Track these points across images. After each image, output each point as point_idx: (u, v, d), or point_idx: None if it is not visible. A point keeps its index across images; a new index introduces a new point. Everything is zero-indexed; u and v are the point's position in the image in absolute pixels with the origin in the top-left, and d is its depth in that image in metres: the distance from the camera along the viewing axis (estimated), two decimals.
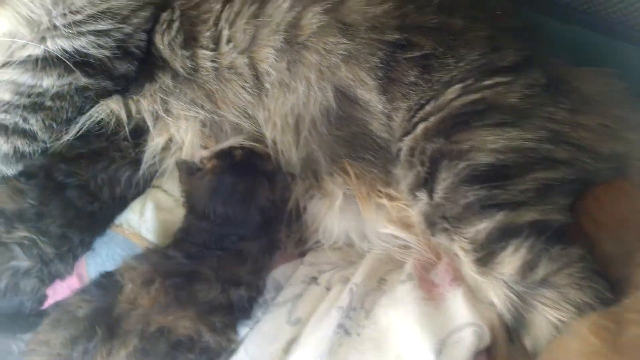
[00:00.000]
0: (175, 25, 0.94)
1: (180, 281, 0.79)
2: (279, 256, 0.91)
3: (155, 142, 0.94)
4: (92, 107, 0.93)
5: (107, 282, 0.81)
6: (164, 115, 0.93)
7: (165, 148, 0.96)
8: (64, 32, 0.88)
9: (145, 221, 0.95)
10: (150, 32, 0.96)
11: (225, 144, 0.91)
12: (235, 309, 0.80)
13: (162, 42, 0.94)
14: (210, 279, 0.80)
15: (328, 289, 0.88)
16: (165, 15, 0.95)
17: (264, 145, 0.92)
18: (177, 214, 0.94)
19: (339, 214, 0.91)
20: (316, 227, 0.93)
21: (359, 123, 0.88)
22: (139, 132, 0.96)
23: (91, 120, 0.93)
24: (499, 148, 0.78)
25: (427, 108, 0.83)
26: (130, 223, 0.95)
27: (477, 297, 0.78)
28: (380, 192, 0.89)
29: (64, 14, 0.88)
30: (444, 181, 0.79)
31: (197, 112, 0.93)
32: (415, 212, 0.83)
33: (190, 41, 0.93)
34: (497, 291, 0.75)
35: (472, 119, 0.81)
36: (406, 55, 0.86)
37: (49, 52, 0.89)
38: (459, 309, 0.77)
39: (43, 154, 0.93)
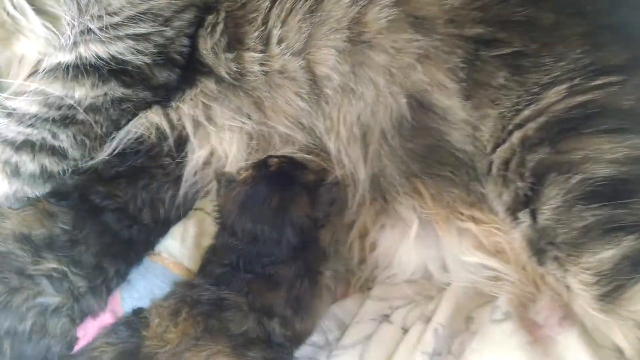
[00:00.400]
0: (220, 27, 0.83)
1: (209, 309, 0.70)
2: (322, 287, 0.78)
3: (196, 154, 0.83)
4: (129, 120, 0.83)
5: (136, 320, 0.72)
6: (205, 122, 0.83)
7: (207, 163, 0.85)
8: (99, 37, 0.78)
9: (187, 248, 0.83)
10: (192, 37, 0.86)
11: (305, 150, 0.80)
12: (274, 343, 0.70)
13: (206, 47, 0.84)
14: (242, 307, 0.70)
15: (404, 329, 0.75)
16: (210, 19, 0.85)
17: (321, 159, 0.81)
18: None
19: (415, 242, 0.78)
20: (389, 261, 0.81)
21: (435, 134, 0.76)
22: (181, 146, 0.85)
23: (128, 137, 0.83)
24: (619, 158, 0.65)
25: (526, 113, 0.71)
26: (171, 251, 0.83)
27: (597, 341, 0.65)
28: (463, 214, 0.76)
29: (100, 16, 0.78)
30: (553, 199, 0.66)
31: (243, 122, 0.82)
32: (516, 236, 0.70)
33: (234, 44, 0.82)
34: (625, 332, 0.62)
35: (582, 124, 0.68)
36: (492, 53, 0.74)
37: (81, 58, 0.78)
38: (576, 356, 0.64)
39: (76, 172, 0.82)
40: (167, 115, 0.83)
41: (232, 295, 0.70)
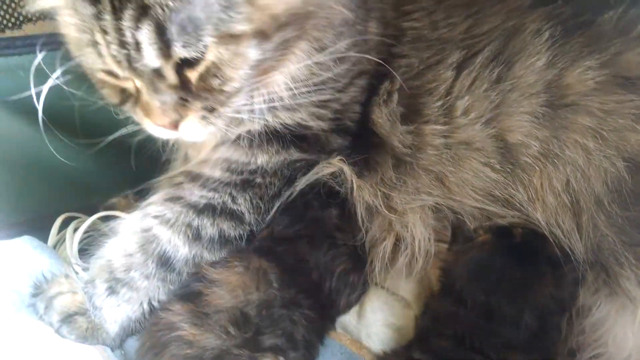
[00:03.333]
0: (395, 97, 0.81)
1: None
2: None
3: (381, 246, 0.79)
4: (302, 176, 0.81)
5: None
6: (385, 211, 0.79)
7: (395, 249, 0.80)
8: (286, 105, 0.77)
9: (365, 325, 0.78)
10: (365, 105, 0.84)
11: (504, 221, 0.74)
12: None
13: (381, 116, 0.82)
14: None
15: None
16: (385, 86, 0.83)
17: None
18: (405, 318, 0.77)
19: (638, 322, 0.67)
20: (600, 336, 0.70)
21: None
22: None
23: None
24: None
25: None
26: (347, 327, 0.78)
27: None
28: None
29: (288, 88, 0.77)
30: None
31: (423, 200, 0.78)
32: None
33: (412, 115, 0.80)
34: None
35: None
36: None
37: (267, 126, 0.78)
38: None
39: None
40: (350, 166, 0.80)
41: None
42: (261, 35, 0.64)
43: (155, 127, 0.68)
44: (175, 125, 0.66)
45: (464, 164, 0.76)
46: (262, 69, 0.68)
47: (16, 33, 0.94)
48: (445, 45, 0.82)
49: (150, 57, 0.59)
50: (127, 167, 0.90)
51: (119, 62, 0.61)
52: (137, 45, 0.58)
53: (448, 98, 0.78)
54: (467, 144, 0.76)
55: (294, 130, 0.79)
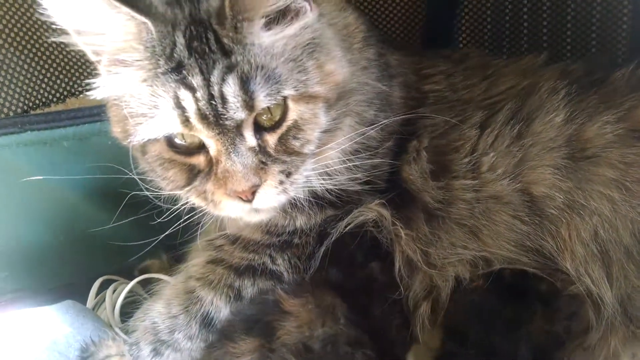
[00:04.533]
0: (423, 154, 0.85)
1: None
2: None
3: (423, 305, 0.80)
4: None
5: None
6: (425, 267, 0.80)
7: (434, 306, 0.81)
8: (333, 173, 0.80)
9: None
10: (393, 164, 0.87)
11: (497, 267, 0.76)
12: None
13: (412, 173, 0.84)
14: None
15: None
16: (413, 145, 0.86)
17: (556, 279, 0.75)
18: None
19: None
20: None
21: None
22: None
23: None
24: None
25: None
26: None
27: None
28: None
29: (341, 160, 0.81)
30: None
31: (459, 255, 0.79)
32: None
33: (441, 172, 0.83)
34: None
35: None
36: None
37: (310, 192, 0.81)
38: None
39: None
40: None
41: None
42: (327, 103, 0.71)
43: (229, 201, 0.69)
44: (253, 193, 0.68)
45: (496, 217, 0.78)
46: (321, 143, 0.73)
47: (60, 107, 1.02)
48: (466, 107, 0.86)
49: (236, 107, 0.63)
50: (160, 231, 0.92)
51: (205, 119, 0.64)
52: (223, 99, 0.63)
53: (474, 155, 0.81)
54: (496, 198, 0.79)
55: (331, 193, 0.81)
